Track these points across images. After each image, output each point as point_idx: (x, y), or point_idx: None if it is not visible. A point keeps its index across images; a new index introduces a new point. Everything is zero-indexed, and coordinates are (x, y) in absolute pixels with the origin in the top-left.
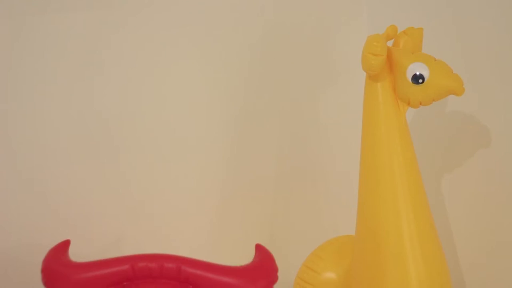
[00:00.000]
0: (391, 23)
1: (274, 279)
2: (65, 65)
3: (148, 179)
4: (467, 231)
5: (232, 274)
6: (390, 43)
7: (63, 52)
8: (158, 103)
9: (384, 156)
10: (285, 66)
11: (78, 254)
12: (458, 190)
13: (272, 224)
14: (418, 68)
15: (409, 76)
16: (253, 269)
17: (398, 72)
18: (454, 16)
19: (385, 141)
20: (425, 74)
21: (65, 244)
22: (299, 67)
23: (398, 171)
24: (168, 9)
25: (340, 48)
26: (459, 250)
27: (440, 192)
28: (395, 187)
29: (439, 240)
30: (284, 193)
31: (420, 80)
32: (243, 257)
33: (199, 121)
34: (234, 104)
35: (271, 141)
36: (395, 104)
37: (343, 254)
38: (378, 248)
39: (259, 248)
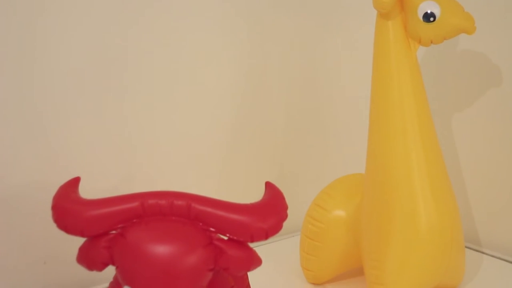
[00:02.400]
0: None
1: (284, 216)
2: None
3: (159, 117)
4: (477, 169)
5: (241, 212)
6: None
7: None
8: (168, 44)
9: (394, 94)
10: (294, 6)
11: (88, 191)
12: (468, 128)
13: (282, 162)
14: (429, 7)
15: (420, 15)
16: (263, 207)
17: (409, 11)
18: None
19: (395, 79)
20: (436, 12)
21: (75, 181)
22: (309, 6)
23: (408, 109)
24: None
25: None
26: (468, 187)
27: (450, 130)
28: (405, 126)
29: (448, 178)
30: (294, 131)
31: (431, 19)
32: (253, 194)
33: (210, 65)
34: (244, 46)
35: (281, 81)
36: (406, 43)
37: (353, 192)
38: (387, 186)
39: (269, 186)
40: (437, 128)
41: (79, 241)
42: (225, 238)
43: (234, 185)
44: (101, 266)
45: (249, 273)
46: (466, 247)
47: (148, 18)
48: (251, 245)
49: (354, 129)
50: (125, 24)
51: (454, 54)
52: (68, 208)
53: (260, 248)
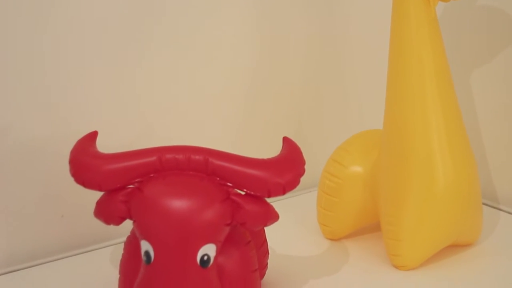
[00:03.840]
0: None
1: (301, 171)
2: None
3: (177, 73)
4: (495, 125)
5: (259, 167)
6: None
7: None
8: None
9: (413, 50)
10: None
11: (105, 145)
12: (486, 84)
13: (299, 117)
14: None
15: None
16: (280, 162)
17: None
18: None
19: (414, 35)
20: None
21: (93, 136)
22: None
23: (426, 65)
24: None
25: None
26: (486, 144)
27: (468, 86)
28: (423, 82)
29: (466, 134)
30: (312, 86)
31: None
32: (270, 149)
33: (227, 21)
34: (261, 4)
35: (299, 36)
36: None
37: (370, 148)
38: (404, 142)
39: (286, 141)
40: (455, 83)
41: (97, 195)
42: (242, 193)
43: (252, 140)
44: (118, 220)
45: (266, 228)
46: (483, 203)
47: None
48: (268, 200)
49: (372, 84)
50: None
51: (474, 10)
52: (86, 162)
53: (277, 203)
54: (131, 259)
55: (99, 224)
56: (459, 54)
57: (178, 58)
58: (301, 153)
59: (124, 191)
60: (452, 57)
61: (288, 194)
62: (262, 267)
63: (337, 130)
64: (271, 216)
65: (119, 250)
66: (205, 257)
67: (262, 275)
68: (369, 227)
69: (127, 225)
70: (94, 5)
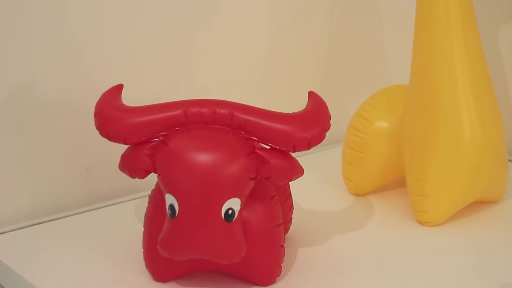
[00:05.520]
0: None
1: (327, 126)
2: None
3: (202, 26)
4: None
5: (284, 121)
6: None
7: None
8: None
9: (440, 4)
10: None
11: (130, 99)
12: None
13: (325, 72)
14: None
15: None
16: (306, 116)
17: None
18: None
19: None
20: None
21: (118, 88)
22: None
23: (453, 19)
24: None
25: None
26: None
27: (496, 42)
28: (450, 36)
29: (493, 90)
30: (338, 41)
31: None
32: (296, 104)
33: None
34: None
35: None
36: None
37: (396, 103)
38: (431, 98)
39: (312, 96)
40: (482, 38)
41: (122, 148)
42: (267, 147)
43: (277, 94)
44: (143, 174)
45: (290, 183)
46: (509, 160)
47: None
48: (293, 155)
49: (399, 39)
50: None
51: None
52: (111, 115)
53: (302, 158)
54: (155, 212)
55: (124, 177)
56: (487, 8)
57: (204, 12)
58: (326, 107)
59: (149, 144)
60: (480, 12)
61: (313, 149)
62: (287, 221)
63: (363, 85)
64: (296, 170)
65: (144, 204)
66: (230, 211)
67: (286, 230)
68: (394, 183)
69: (152, 179)
70: None
